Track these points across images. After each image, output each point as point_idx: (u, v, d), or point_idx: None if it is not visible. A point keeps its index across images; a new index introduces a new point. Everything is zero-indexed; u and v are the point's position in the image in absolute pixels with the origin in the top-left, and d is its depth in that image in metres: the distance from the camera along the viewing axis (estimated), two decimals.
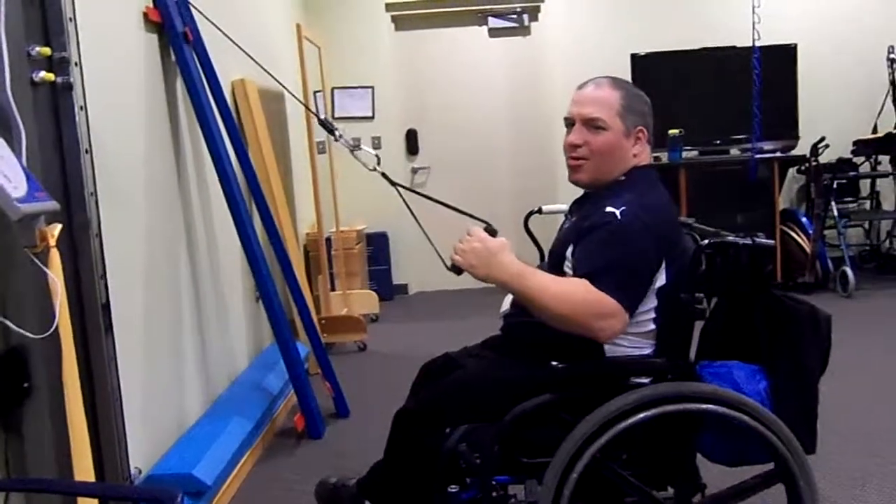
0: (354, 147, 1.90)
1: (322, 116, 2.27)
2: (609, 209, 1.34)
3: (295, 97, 2.79)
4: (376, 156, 1.82)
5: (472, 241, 1.32)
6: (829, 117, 4.49)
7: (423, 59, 4.91)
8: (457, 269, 1.35)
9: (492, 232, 1.36)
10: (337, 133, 2.00)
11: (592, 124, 1.41)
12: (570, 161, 1.46)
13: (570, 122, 1.46)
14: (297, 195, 3.87)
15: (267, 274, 2.51)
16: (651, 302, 1.35)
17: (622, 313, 1.27)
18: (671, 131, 4.19)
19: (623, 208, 1.33)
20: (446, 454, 1.33)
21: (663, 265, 1.34)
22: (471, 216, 1.50)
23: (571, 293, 1.27)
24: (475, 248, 1.31)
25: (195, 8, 2.40)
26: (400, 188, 1.71)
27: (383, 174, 1.74)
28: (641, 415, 1.26)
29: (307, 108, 3.32)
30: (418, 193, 1.70)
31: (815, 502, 1.29)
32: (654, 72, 4.30)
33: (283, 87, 2.01)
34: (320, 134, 4.14)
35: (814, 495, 1.28)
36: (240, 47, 2.32)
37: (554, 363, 1.35)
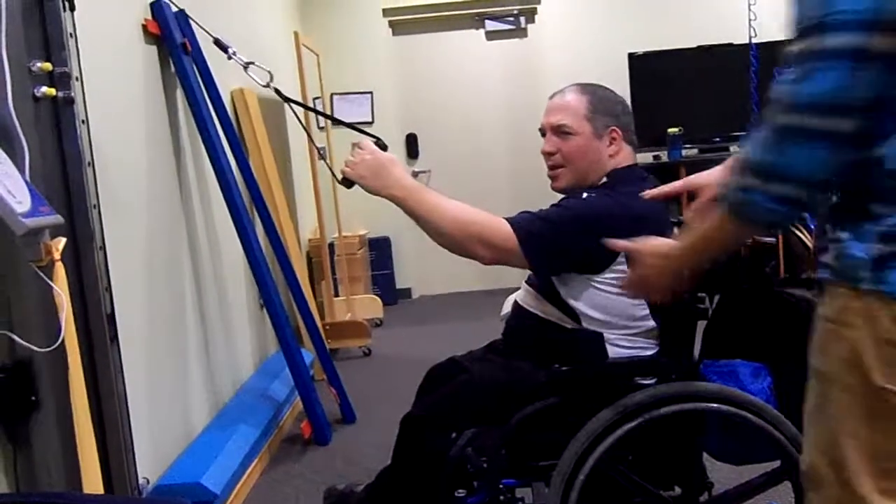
0: (322, 157, 1.95)
1: (310, 123, 2.31)
2: (584, 195, 1.39)
3: (301, 104, 2.80)
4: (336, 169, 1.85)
5: (363, 154, 1.35)
6: None
7: (422, 63, 4.92)
8: (347, 182, 1.37)
9: (382, 146, 1.38)
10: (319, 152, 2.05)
11: (560, 131, 1.46)
12: (549, 171, 1.51)
13: (543, 133, 1.51)
14: (298, 202, 3.88)
15: (270, 281, 2.52)
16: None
17: (513, 244, 1.31)
18: (670, 130, 4.19)
19: (592, 195, 1.38)
20: (453, 459, 1.33)
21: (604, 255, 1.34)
22: (361, 131, 1.50)
23: (468, 213, 1.31)
24: (365, 159, 1.34)
25: (194, 21, 2.41)
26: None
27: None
28: (647, 415, 1.26)
29: (301, 117, 3.33)
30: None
31: None
32: (651, 71, 4.31)
33: (281, 94, 2.01)
34: (321, 140, 4.16)
35: None
36: (234, 58, 2.32)
37: (557, 366, 1.35)
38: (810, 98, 0.79)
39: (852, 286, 0.86)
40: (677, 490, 1.39)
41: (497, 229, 1.33)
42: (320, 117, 4.24)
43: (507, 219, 1.36)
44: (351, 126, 1.58)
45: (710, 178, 1.25)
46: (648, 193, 1.34)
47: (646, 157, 4.25)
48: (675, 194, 1.28)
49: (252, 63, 1.93)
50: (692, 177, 1.27)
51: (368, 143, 1.36)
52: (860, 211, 0.85)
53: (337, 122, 1.62)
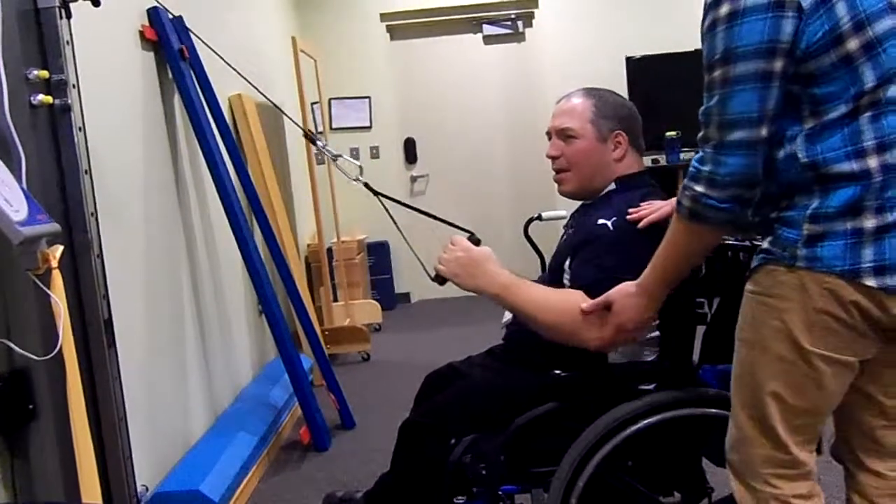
0: (336, 156, 1.93)
1: (309, 127, 2.31)
2: (601, 221, 1.36)
3: (281, 110, 2.80)
4: (359, 166, 1.84)
5: (456, 251, 1.34)
6: None
7: (420, 67, 4.93)
8: (440, 279, 1.36)
9: (475, 241, 1.37)
10: (319, 144, 2.04)
11: (565, 134, 1.46)
12: (554, 175, 1.51)
13: (549, 136, 1.51)
14: (297, 207, 3.88)
15: (269, 287, 2.52)
16: None
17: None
18: (669, 133, 4.20)
19: (614, 219, 1.35)
20: (452, 465, 1.33)
21: None
22: (455, 226, 1.51)
23: (563, 302, 1.28)
24: (459, 257, 1.33)
25: (193, 32, 2.42)
26: (382, 198, 1.72)
27: (366, 184, 1.76)
28: (646, 421, 1.26)
29: (298, 122, 3.34)
30: (402, 204, 1.71)
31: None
32: (649, 74, 4.31)
33: (271, 101, 2.03)
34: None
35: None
36: (232, 67, 2.33)
37: (557, 371, 1.35)
38: (735, 115, 0.99)
39: (787, 264, 1.01)
40: (677, 496, 1.39)
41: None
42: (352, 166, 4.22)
43: (583, 287, 1.30)
44: (442, 220, 1.57)
45: None
46: (633, 216, 1.35)
47: (644, 161, 4.25)
48: (661, 220, 1.30)
49: (341, 156, 1.94)
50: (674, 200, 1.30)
51: (461, 239, 1.35)
52: (789, 202, 1.01)
53: (426, 215, 1.61)
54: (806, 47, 0.97)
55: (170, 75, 2.34)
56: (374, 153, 4.82)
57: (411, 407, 1.61)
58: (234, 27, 3.17)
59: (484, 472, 1.32)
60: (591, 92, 1.49)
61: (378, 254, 4.67)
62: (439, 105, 4.92)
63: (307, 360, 2.98)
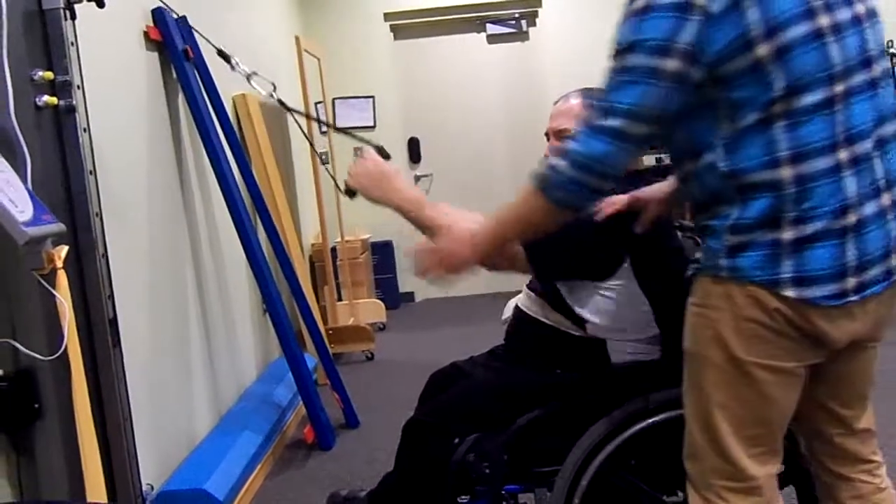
0: (251, 74, 1.95)
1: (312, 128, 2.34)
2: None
3: (285, 105, 2.80)
4: (272, 83, 1.85)
5: (365, 163, 1.34)
6: None
7: (423, 67, 4.93)
8: (350, 192, 1.35)
9: (385, 155, 1.38)
10: (233, 61, 2.11)
11: (562, 135, 1.45)
12: None
13: (548, 138, 1.51)
14: (301, 206, 3.89)
15: (273, 286, 2.52)
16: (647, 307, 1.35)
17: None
18: None
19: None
20: (456, 464, 1.33)
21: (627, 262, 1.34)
22: (361, 139, 1.50)
23: (454, 224, 1.28)
24: (368, 169, 1.34)
25: (197, 31, 2.42)
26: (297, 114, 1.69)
27: (279, 100, 1.76)
28: (649, 420, 1.26)
29: (302, 117, 3.34)
30: (328, 126, 1.71)
31: None
32: None
33: (283, 104, 2.04)
34: (323, 145, 4.17)
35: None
36: (237, 68, 2.33)
37: (559, 371, 1.35)
38: (616, 104, 0.99)
39: (714, 275, 1.02)
40: (680, 495, 1.38)
41: None
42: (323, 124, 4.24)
43: None
44: (349, 133, 1.58)
45: (654, 193, 1.29)
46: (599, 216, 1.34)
47: (648, 160, 4.24)
48: (623, 211, 1.29)
49: (255, 73, 1.95)
50: (638, 191, 1.31)
51: (370, 151, 1.36)
52: (713, 211, 1.02)
53: (338, 130, 1.62)
54: (717, 51, 0.96)
55: (174, 75, 2.35)
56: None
57: (415, 406, 1.61)
58: (237, 26, 3.18)
59: (487, 472, 1.32)
60: (587, 92, 1.48)
61: (382, 253, 4.67)
62: (443, 104, 4.92)
63: (311, 359, 2.99)
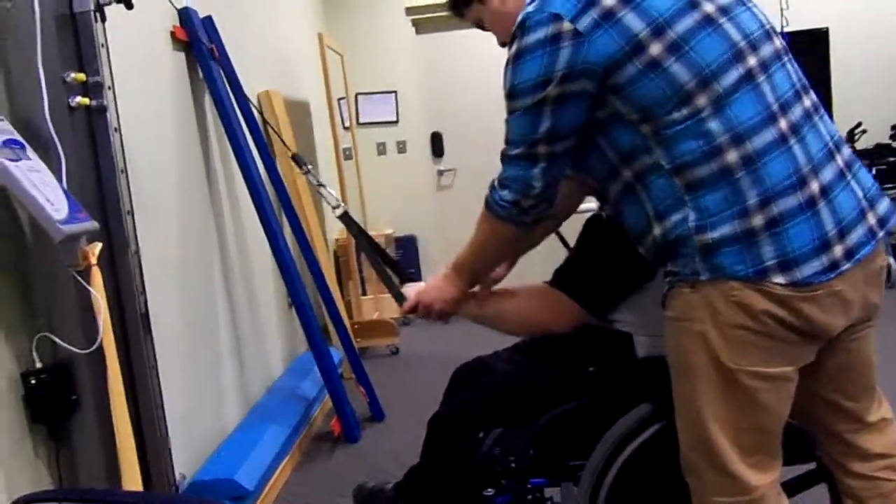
0: (319, 185, 2.02)
1: (336, 122, 2.36)
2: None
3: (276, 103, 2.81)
4: (337, 199, 1.91)
5: (424, 301, 1.39)
6: (865, 102, 4.37)
7: (445, 61, 4.92)
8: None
9: (409, 278, 1.51)
10: (304, 168, 2.19)
11: None
12: None
13: None
14: (325, 202, 3.91)
15: (298, 281, 2.55)
16: None
17: None
18: None
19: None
20: (481, 458, 1.34)
21: None
22: (389, 285, 1.60)
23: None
24: (432, 297, 1.38)
25: (218, 31, 2.45)
26: (360, 237, 1.81)
27: (344, 214, 1.82)
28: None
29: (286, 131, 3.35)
30: (378, 249, 1.79)
31: None
32: None
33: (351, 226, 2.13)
34: (346, 140, 4.19)
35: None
36: (308, 176, 2.37)
37: (585, 366, 1.34)
38: (514, 136, 1.14)
39: (692, 283, 0.98)
40: None
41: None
42: (346, 129, 4.26)
43: None
44: (382, 276, 1.70)
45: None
46: None
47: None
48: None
49: (323, 185, 2.04)
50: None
51: (414, 290, 1.43)
52: (670, 218, 1.00)
53: (376, 262, 1.71)
54: (604, 62, 0.98)
55: (200, 74, 2.38)
56: (401, 147, 4.84)
57: (440, 400, 1.62)
58: (261, 24, 3.21)
59: (513, 465, 1.33)
60: None
61: (406, 248, 4.69)
62: (466, 98, 4.90)
63: (337, 353, 3.02)
